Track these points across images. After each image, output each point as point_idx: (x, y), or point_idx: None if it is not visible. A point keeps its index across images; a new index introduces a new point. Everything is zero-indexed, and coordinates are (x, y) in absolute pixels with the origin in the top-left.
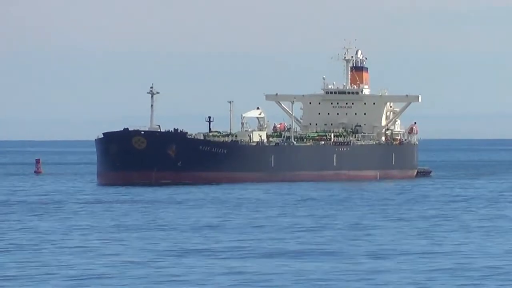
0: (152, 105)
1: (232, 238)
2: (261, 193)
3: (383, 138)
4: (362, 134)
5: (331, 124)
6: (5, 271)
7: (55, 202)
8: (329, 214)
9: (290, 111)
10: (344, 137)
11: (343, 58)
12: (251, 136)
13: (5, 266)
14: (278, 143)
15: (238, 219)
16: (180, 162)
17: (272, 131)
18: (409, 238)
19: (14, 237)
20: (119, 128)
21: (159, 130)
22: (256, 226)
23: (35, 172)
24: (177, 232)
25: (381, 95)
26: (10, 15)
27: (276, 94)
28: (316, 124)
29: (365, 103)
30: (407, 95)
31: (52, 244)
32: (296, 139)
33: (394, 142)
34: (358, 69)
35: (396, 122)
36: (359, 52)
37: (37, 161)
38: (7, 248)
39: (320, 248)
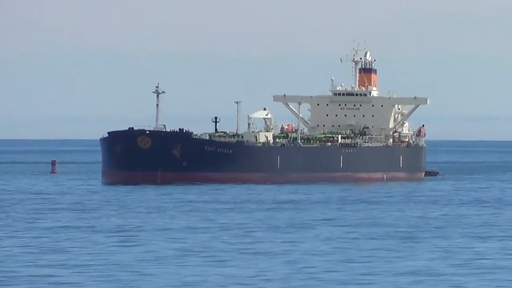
0: (157, 105)
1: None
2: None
3: (390, 140)
4: (370, 136)
5: (339, 126)
6: None
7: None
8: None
9: (297, 112)
10: (351, 139)
11: (352, 59)
12: (257, 137)
13: None
14: (284, 144)
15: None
16: (185, 163)
17: (280, 132)
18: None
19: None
20: (124, 127)
21: (164, 130)
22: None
23: (50, 173)
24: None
25: (389, 97)
26: (17, 15)
27: (284, 95)
28: (324, 126)
29: (373, 105)
30: (415, 98)
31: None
32: (302, 141)
33: (402, 145)
34: (366, 71)
35: (404, 125)
36: (368, 53)
37: (53, 163)
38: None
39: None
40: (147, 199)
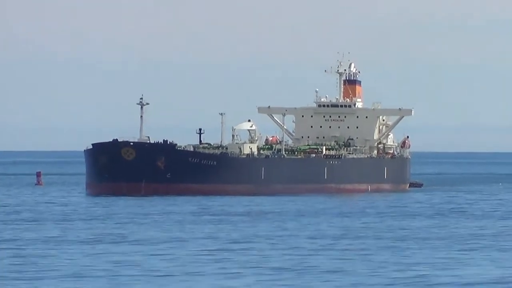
0: (141, 116)
1: None
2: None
3: (375, 151)
4: (354, 147)
5: (323, 137)
6: None
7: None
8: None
9: (282, 124)
10: (336, 150)
11: (336, 71)
12: (242, 148)
13: None
14: (269, 156)
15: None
16: (169, 174)
17: (264, 144)
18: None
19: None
20: (108, 139)
21: (148, 141)
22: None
23: (36, 185)
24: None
25: (373, 109)
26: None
27: (269, 106)
28: (308, 137)
29: (357, 117)
30: (400, 109)
31: None
32: (287, 152)
33: (386, 156)
34: (351, 82)
35: (389, 136)
36: (352, 65)
37: (38, 174)
38: None
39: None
40: (132, 211)
